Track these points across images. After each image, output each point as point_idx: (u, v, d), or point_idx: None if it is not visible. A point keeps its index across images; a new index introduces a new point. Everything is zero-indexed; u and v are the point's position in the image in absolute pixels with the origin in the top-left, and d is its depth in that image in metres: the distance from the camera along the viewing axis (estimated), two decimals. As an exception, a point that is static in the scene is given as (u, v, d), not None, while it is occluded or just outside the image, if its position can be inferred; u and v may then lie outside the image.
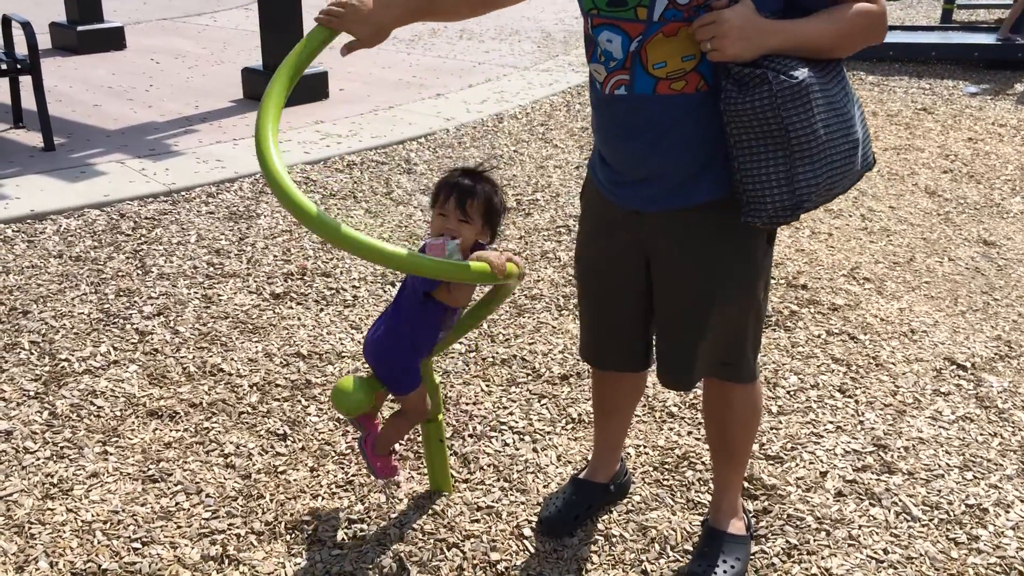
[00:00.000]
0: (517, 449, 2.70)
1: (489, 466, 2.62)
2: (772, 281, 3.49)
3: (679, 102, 1.82)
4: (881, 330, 3.45)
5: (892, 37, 7.89)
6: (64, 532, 2.32)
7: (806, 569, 2.26)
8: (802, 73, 1.71)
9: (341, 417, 2.82)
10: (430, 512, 2.42)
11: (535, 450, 2.70)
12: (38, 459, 2.60)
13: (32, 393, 2.91)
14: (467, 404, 2.92)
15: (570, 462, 2.65)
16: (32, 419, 2.78)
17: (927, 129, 6.15)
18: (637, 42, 1.78)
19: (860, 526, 2.40)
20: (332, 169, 5.07)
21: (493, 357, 3.20)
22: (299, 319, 3.44)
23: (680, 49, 1.77)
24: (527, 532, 2.36)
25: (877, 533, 2.38)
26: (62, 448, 2.65)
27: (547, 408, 2.91)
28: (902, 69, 7.77)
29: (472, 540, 2.32)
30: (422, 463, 2.59)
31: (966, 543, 2.36)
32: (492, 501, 2.47)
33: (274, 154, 1.84)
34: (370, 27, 2.02)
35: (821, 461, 2.66)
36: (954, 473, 2.63)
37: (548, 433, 2.78)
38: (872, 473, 2.62)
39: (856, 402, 2.97)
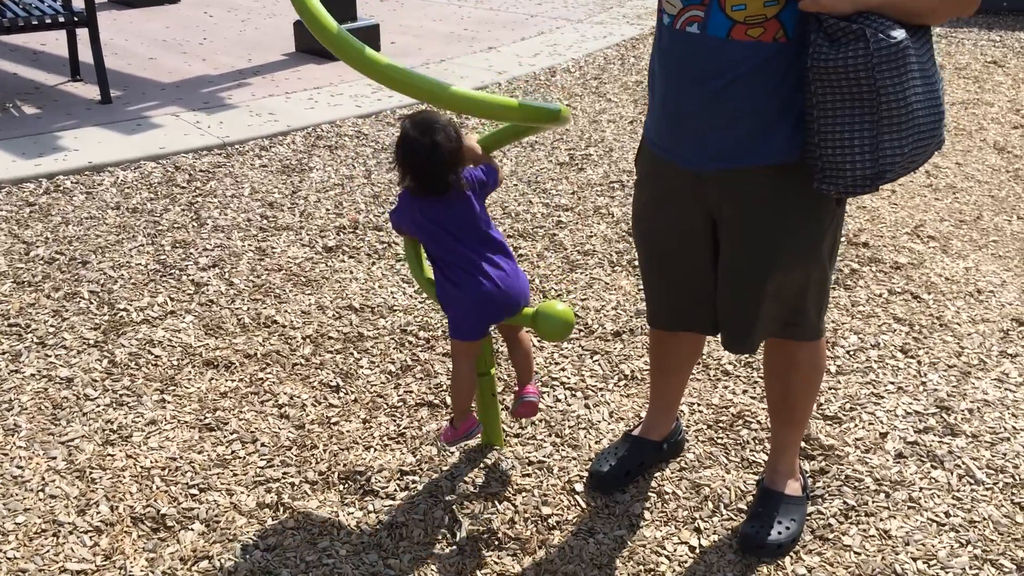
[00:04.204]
0: (569, 405, 2.68)
1: (541, 421, 2.61)
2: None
3: (754, 50, 1.72)
4: (946, 289, 3.34)
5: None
6: (124, 477, 2.37)
7: (864, 531, 2.21)
8: (900, 34, 1.61)
9: (392, 370, 2.83)
10: (482, 466, 2.42)
11: (587, 406, 2.68)
12: (98, 406, 2.65)
13: (92, 342, 2.97)
14: (519, 359, 2.90)
15: (622, 419, 2.62)
16: (92, 367, 2.83)
17: (997, 83, 5.91)
18: None
19: (921, 488, 2.35)
20: (384, 123, 5.04)
21: (545, 312, 3.17)
22: (351, 272, 3.44)
23: None
24: (578, 487, 2.34)
25: (938, 496, 2.32)
26: (121, 396, 2.70)
27: (599, 364, 2.88)
28: (971, 20, 7.46)
29: (523, 494, 2.32)
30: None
31: (1032, 508, 2.29)
32: (544, 456, 2.46)
33: None
34: None
35: (881, 422, 2.60)
36: (1020, 436, 2.55)
37: (600, 389, 2.76)
38: (934, 435, 2.55)
39: (919, 363, 2.89)
